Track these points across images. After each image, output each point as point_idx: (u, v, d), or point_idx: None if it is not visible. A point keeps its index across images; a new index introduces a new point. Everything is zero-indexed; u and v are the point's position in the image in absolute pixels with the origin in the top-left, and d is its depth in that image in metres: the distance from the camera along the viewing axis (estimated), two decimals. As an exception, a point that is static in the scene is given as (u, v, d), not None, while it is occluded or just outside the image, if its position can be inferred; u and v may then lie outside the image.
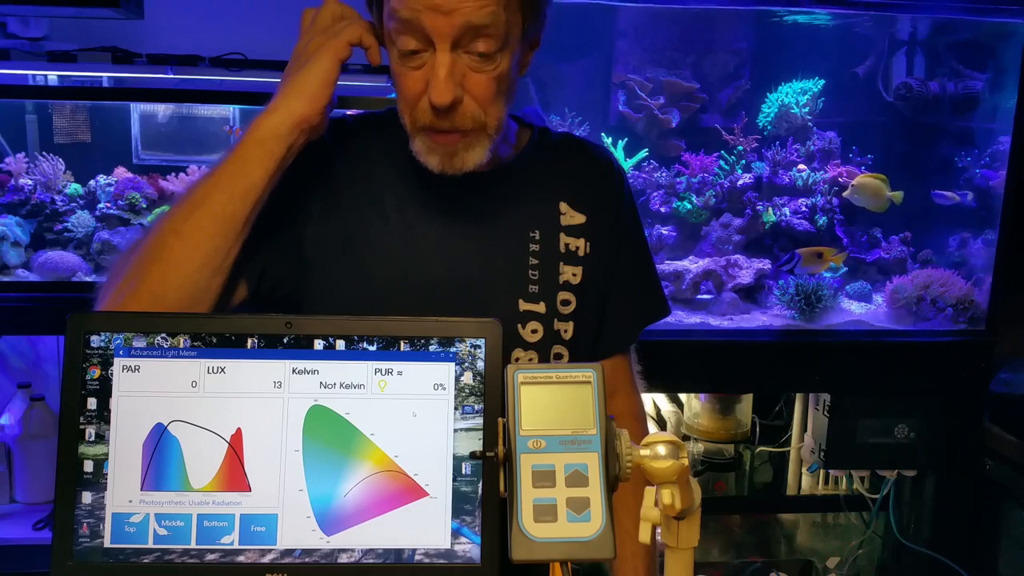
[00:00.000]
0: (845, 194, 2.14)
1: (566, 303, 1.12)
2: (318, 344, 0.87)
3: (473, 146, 1.02)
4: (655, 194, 2.16)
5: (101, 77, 2.06)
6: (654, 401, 2.31)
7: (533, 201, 1.13)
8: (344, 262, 1.08)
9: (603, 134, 2.13)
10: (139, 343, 0.85)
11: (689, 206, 2.15)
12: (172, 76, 2.00)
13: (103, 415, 0.84)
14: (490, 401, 0.86)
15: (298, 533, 0.84)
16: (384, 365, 0.86)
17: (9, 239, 1.92)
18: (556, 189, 1.15)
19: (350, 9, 1.04)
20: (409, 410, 0.86)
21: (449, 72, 0.96)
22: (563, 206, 1.14)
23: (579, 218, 1.14)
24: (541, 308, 1.11)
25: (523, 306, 1.10)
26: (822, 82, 2.18)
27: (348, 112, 1.90)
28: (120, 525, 0.84)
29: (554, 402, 0.71)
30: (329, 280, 1.08)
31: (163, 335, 0.86)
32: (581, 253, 1.13)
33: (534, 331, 1.11)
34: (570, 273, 1.13)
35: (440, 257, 1.09)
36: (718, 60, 2.19)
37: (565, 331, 1.12)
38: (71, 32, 2.08)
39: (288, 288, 1.08)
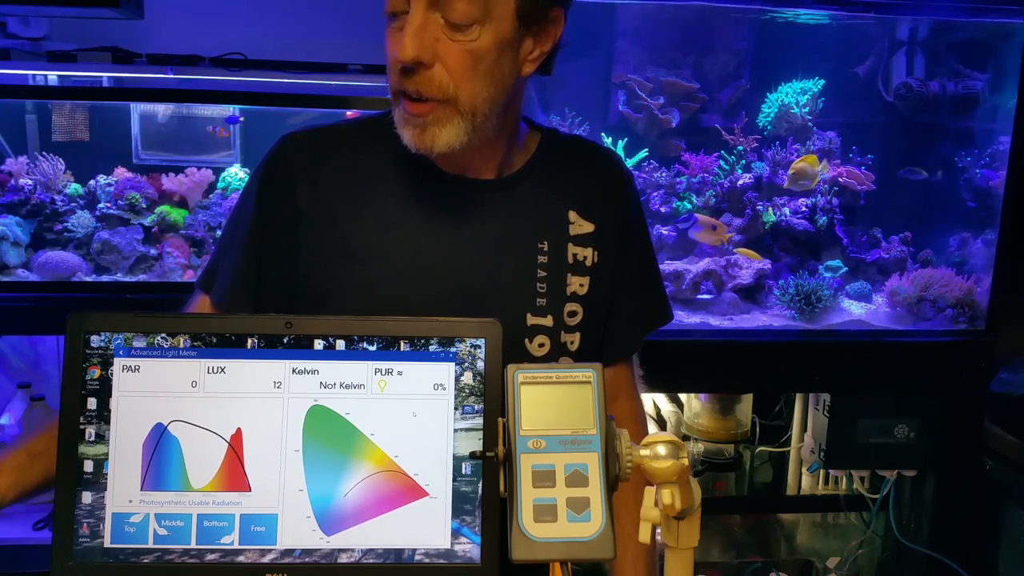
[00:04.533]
0: (787, 184, 2.15)
1: (573, 314, 1.11)
2: (318, 344, 0.87)
3: (443, 123, 0.99)
4: (655, 194, 2.16)
5: (101, 77, 2.06)
6: (654, 401, 2.31)
7: (542, 210, 1.11)
8: (346, 274, 1.06)
9: (603, 134, 2.13)
10: (139, 343, 0.85)
11: (689, 206, 2.15)
12: (172, 76, 2.00)
13: (103, 415, 0.84)
14: (490, 401, 0.86)
15: (298, 533, 0.84)
16: (384, 365, 0.86)
17: (9, 239, 1.92)
18: (565, 197, 1.12)
19: None
20: (409, 410, 0.86)
21: (417, 30, 0.95)
22: (572, 215, 1.12)
23: (588, 227, 1.12)
24: (548, 321, 1.09)
25: (531, 320, 1.09)
26: (822, 82, 2.18)
27: (348, 113, 1.91)
28: (120, 525, 0.84)
29: (554, 402, 0.71)
30: (330, 293, 1.06)
31: (163, 335, 0.86)
32: (589, 263, 1.11)
33: (541, 345, 1.09)
34: (577, 284, 1.11)
35: (446, 270, 1.07)
36: (718, 60, 2.19)
37: (572, 342, 1.11)
38: (71, 32, 2.08)
39: (289, 305, 1.08)
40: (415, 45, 0.95)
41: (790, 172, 2.13)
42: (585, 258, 1.11)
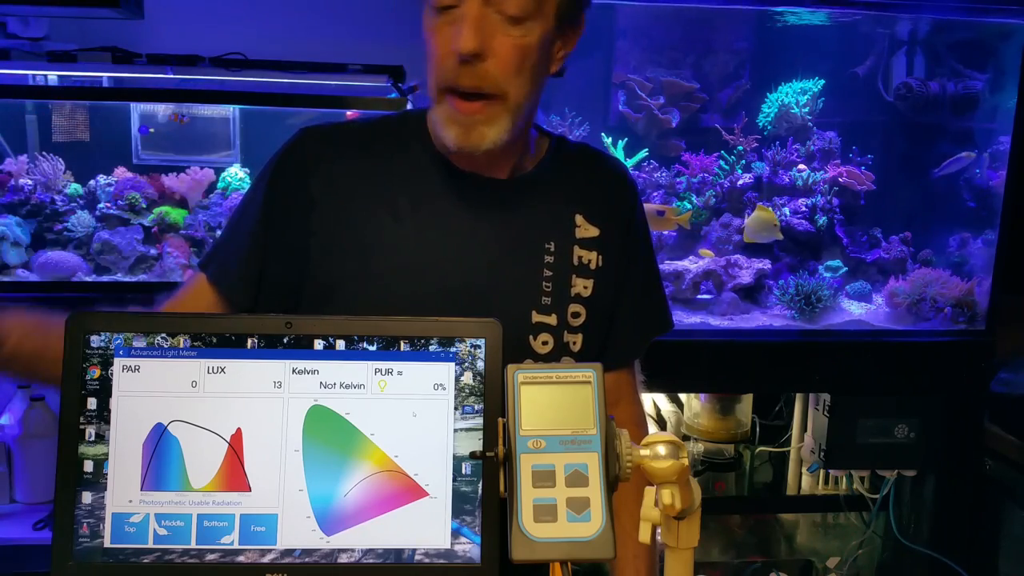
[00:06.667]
0: (747, 239, 2.12)
1: (576, 315, 1.12)
2: (318, 344, 0.86)
3: (493, 121, 1.01)
4: (655, 194, 2.16)
5: (101, 77, 2.06)
6: (654, 401, 2.31)
7: (550, 212, 1.13)
8: (356, 266, 1.07)
9: (603, 134, 2.13)
10: (139, 343, 0.85)
11: (689, 206, 2.15)
12: (172, 76, 2.00)
13: (103, 415, 0.84)
14: (490, 401, 0.86)
15: (298, 533, 0.84)
16: (384, 365, 0.86)
17: (9, 239, 1.92)
18: (572, 201, 1.14)
19: None
20: (409, 410, 0.86)
21: (476, 22, 0.96)
22: (579, 218, 1.14)
23: (593, 231, 1.14)
24: (552, 320, 1.11)
25: (535, 318, 1.10)
26: (822, 82, 2.18)
27: (347, 113, 1.91)
28: (120, 525, 0.84)
29: (554, 402, 0.71)
30: (339, 284, 1.07)
31: (163, 335, 0.86)
32: (593, 266, 1.13)
33: (545, 343, 1.10)
34: (581, 286, 1.12)
35: (455, 265, 1.08)
36: (718, 60, 2.19)
37: (574, 343, 1.12)
38: (71, 32, 2.08)
39: (295, 296, 1.08)
40: (474, 36, 0.96)
41: (748, 223, 2.12)
42: (589, 261, 1.13)
